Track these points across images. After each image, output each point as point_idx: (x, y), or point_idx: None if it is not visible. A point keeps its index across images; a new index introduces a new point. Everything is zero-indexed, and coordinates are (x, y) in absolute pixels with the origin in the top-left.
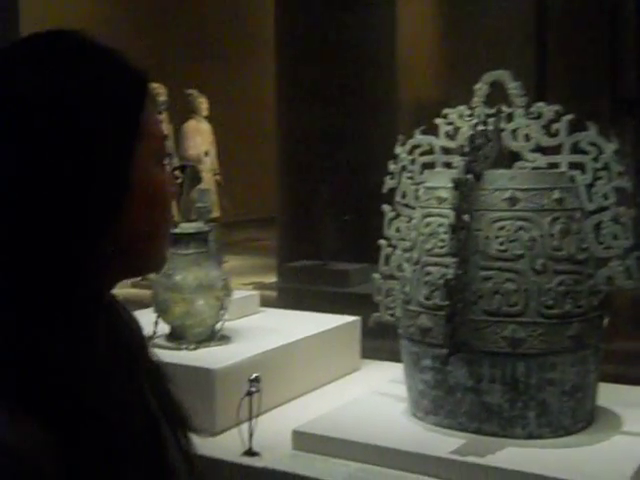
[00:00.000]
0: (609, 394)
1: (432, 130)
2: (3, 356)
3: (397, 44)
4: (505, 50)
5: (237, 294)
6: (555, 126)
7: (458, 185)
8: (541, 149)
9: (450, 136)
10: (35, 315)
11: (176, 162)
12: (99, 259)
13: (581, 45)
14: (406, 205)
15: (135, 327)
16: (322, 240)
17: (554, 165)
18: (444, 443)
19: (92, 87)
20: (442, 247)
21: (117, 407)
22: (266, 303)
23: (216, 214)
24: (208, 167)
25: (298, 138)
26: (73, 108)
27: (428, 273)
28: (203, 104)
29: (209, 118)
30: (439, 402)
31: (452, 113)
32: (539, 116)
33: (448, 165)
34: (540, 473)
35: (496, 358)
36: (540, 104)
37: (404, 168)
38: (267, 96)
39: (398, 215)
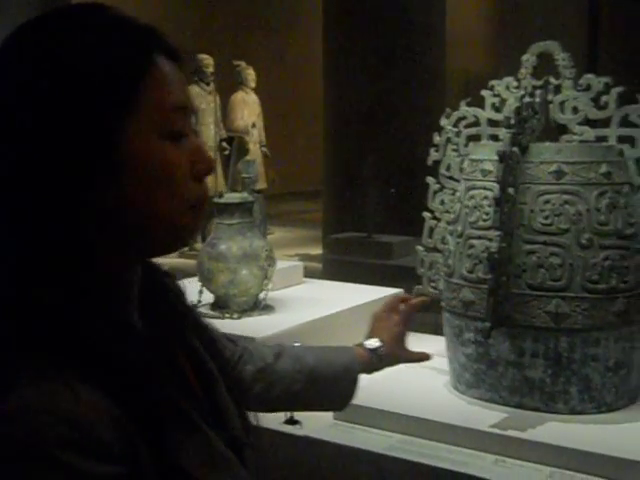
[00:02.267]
0: None
1: (478, 102)
2: (42, 330)
3: (446, 15)
4: (556, 22)
5: (281, 264)
6: (604, 98)
7: (503, 158)
8: (589, 122)
9: (496, 108)
10: (45, 286)
11: (223, 134)
12: (92, 233)
13: (633, 17)
14: (450, 177)
15: (179, 294)
16: (367, 212)
17: (602, 138)
18: (485, 416)
19: (86, 55)
20: (486, 220)
21: (163, 367)
22: (311, 274)
23: (262, 186)
24: (255, 139)
25: (344, 110)
26: (64, 72)
27: (471, 246)
28: (251, 76)
29: (257, 90)
30: (481, 376)
31: (498, 85)
32: (588, 88)
33: (494, 137)
34: (581, 449)
35: (539, 333)
36: (589, 76)
37: (449, 140)
38: (314, 68)
39: (442, 188)
